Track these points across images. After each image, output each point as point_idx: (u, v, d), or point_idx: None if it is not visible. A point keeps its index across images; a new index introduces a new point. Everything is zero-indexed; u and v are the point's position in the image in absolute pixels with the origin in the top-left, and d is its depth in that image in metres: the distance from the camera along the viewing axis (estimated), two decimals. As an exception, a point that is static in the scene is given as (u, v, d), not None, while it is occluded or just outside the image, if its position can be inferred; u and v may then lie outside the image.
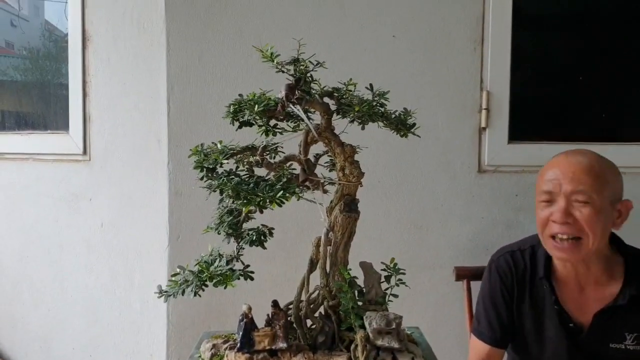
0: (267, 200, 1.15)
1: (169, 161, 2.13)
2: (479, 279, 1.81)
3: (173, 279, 1.23)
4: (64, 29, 2.48)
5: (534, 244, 1.67)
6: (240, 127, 1.25)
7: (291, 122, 1.30)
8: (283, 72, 1.17)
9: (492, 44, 2.15)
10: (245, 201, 1.15)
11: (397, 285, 1.30)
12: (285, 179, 1.20)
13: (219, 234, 1.28)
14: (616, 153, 2.11)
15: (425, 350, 1.35)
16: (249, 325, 1.21)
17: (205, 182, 1.21)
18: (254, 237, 1.26)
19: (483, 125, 2.16)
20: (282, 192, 1.15)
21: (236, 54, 2.12)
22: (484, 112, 2.15)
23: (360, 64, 2.12)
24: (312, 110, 1.27)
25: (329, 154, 1.33)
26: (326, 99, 1.26)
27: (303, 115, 1.19)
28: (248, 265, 1.25)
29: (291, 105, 1.18)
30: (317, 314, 1.30)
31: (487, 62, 2.15)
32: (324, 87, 1.25)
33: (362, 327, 1.21)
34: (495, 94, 2.15)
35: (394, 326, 1.20)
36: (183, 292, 1.20)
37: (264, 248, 1.29)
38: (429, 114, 2.13)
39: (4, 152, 2.75)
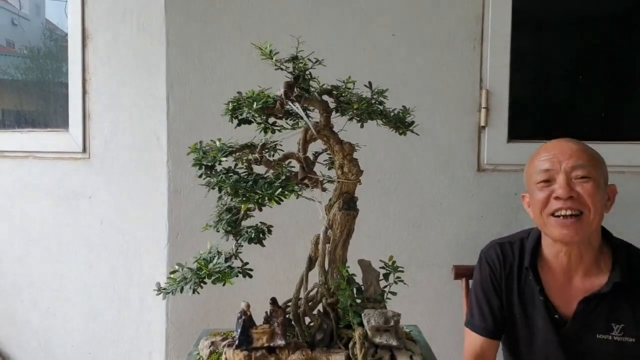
0: (266, 198, 1.15)
1: (168, 159, 2.13)
2: (478, 277, 1.82)
3: (172, 276, 1.23)
4: (65, 28, 2.49)
5: (523, 237, 1.69)
6: (239, 124, 1.25)
7: (290, 120, 1.31)
8: (282, 69, 1.17)
9: (491, 42, 2.15)
10: (243, 198, 1.15)
11: (396, 283, 1.30)
12: (284, 177, 1.20)
13: (217, 231, 1.28)
14: (616, 152, 2.13)
15: (423, 348, 1.35)
16: (247, 322, 1.22)
17: (204, 179, 1.21)
18: (253, 235, 1.27)
19: (482, 124, 2.16)
20: (280, 189, 1.15)
21: (236, 52, 2.12)
22: (483, 111, 2.15)
23: (360, 62, 2.12)
24: (311, 108, 1.27)
25: (328, 152, 1.33)
26: (325, 97, 1.26)
27: (302, 113, 1.19)
28: (247, 263, 1.25)
29: (290, 103, 1.18)
30: (315, 312, 1.30)
31: (487, 61, 2.15)
32: (322, 84, 1.25)
33: (361, 324, 1.21)
34: (494, 93, 2.15)
35: (392, 324, 1.20)
36: (181, 290, 1.21)
37: (263, 246, 1.29)
38: (428, 112, 2.13)
39: (3, 150, 2.75)
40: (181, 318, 2.17)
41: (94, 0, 2.39)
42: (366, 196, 2.10)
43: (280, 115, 1.28)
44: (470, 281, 1.96)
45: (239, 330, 1.21)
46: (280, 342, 1.20)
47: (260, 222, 1.29)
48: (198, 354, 1.35)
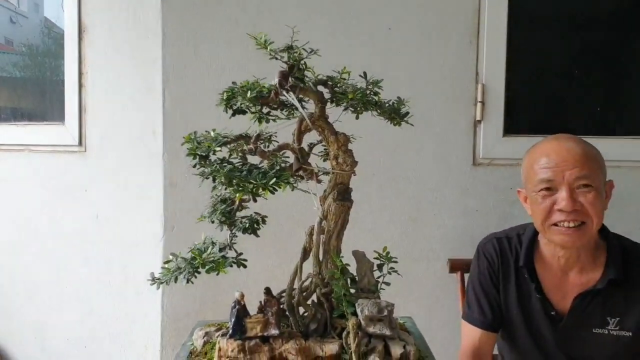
0: (260, 188, 1.15)
1: (164, 152, 2.13)
2: (473, 270, 1.82)
3: (166, 266, 1.23)
4: (63, 25, 2.48)
5: (520, 232, 1.68)
6: (233, 114, 1.25)
7: (285, 111, 1.31)
8: (277, 59, 1.17)
9: (487, 37, 2.15)
10: (238, 188, 1.15)
11: (389, 273, 1.30)
12: (278, 167, 1.20)
13: (212, 222, 1.28)
14: (611, 147, 2.13)
15: (417, 339, 1.35)
16: (241, 312, 1.22)
17: (198, 169, 1.21)
18: (247, 225, 1.26)
19: (478, 118, 2.16)
20: (275, 179, 1.15)
21: (232, 45, 2.12)
22: (479, 105, 2.16)
23: (356, 56, 2.12)
24: (306, 98, 1.27)
25: (323, 143, 1.33)
26: (320, 88, 1.26)
27: (296, 103, 1.19)
28: (241, 253, 1.25)
29: (284, 93, 1.18)
30: (309, 302, 1.31)
31: (483, 55, 2.16)
32: (317, 75, 1.25)
33: (354, 314, 1.21)
34: (490, 87, 2.16)
35: (385, 313, 1.20)
36: (176, 280, 1.20)
37: (257, 236, 1.29)
38: (424, 106, 2.14)
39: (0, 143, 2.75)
40: (176, 311, 2.17)
41: (90, -7, 2.39)
42: (362, 190, 2.11)
43: (275, 106, 1.28)
44: (466, 275, 1.97)
45: (233, 320, 1.21)
46: (274, 331, 1.20)
47: (254, 213, 1.29)
48: (192, 344, 1.36)
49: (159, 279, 1.24)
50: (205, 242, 1.25)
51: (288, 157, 1.27)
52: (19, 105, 3.13)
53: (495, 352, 1.82)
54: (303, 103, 1.26)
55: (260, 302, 1.24)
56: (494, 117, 2.17)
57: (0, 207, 2.77)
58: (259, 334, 1.20)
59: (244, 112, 1.25)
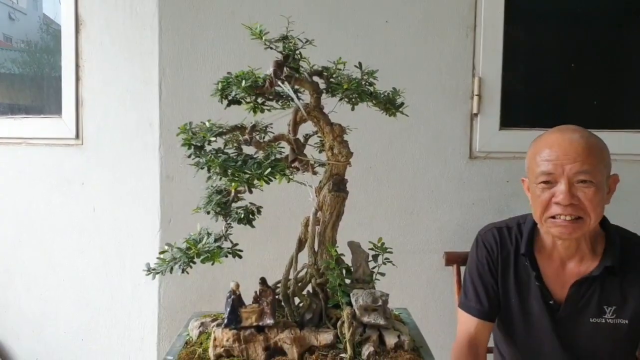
0: (255, 178, 1.16)
1: (161, 145, 2.13)
2: (469, 263, 1.82)
3: (161, 256, 1.23)
4: (61, 21, 2.48)
5: (521, 222, 1.69)
6: (229, 105, 1.25)
7: (280, 102, 1.31)
8: (272, 48, 1.17)
9: (484, 30, 2.15)
10: (233, 178, 1.15)
11: (384, 264, 1.30)
12: (273, 157, 1.20)
13: (207, 213, 1.28)
14: (607, 140, 2.13)
15: (412, 329, 1.35)
16: (236, 302, 1.22)
17: (193, 159, 1.21)
18: (242, 216, 1.26)
19: (474, 111, 2.17)
20: (270, 169, 1.15)
21: (228, 37, 2.12)
22: (475, 98, 2.16)
23: (353, 49, 2.12)
24: (302, 89, 1.27)
25: (319, 134, 1.33)
26: (315, 78, 1.26)
27: (292, 93, 1.19)
28: (236, 244, 1.25)
29: (280, 83, 1.18)
30: (305, 292, 1.31)
31: (479, 49, 2.16)
32: (313, 65, 1.25)
33: (349, 304, 1.21)
34: (487, 81, 2.16)
35: (380, 303, 1.21)
36: (171, 270, 1.20)
37: (252, 226, 1.29)
38: (421, 99, 2.14)
39: (-4, 136, 2.75)
40: (173, 303, 2.17)
41: (87, -14, 2.38)
42: (358, 183, 2.12)
43: (271, 97, 1.28)
44: (462, 267, 1.97)
45: (228, 310, 1.21)
46: (269, 321, 1.20)
47: (249, 203, 1.29)
48: (188, 334, 1.36)
49: (154, 269, 1.24)
50: (201, 233, 1.25)
51: (283, 147, 1.27)
52: (17, 101, 3.14)
53: (491, 344, 1.83)
54: (298, 94, 1.26)
55: (256, 292, 1.24)
56: (491, 110, 2.17)
57: (-3, 200, 2.77)
58: (254, 324, 1.20)
59: (239, 103, 1.25)
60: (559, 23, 2.30)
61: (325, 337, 1.19)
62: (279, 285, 1.31)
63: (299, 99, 1.24)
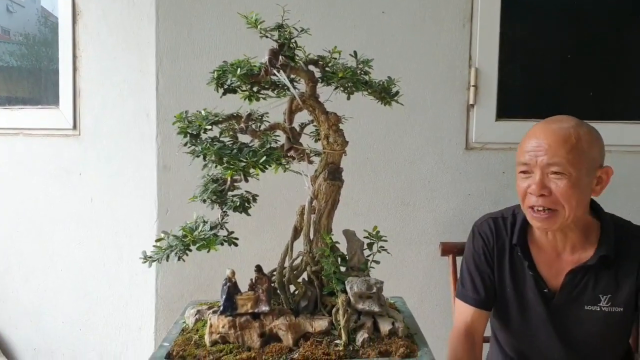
0: (251, 166, 1.16)
1: (158, 135, 2.14)
2: (464, 254, 1.84)
3: (157, 244, 1.24)
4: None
5: (516, 211, 1.70)
6: (224, 93, 1.25)
7: (276, 91, 1.31)
8: (267, 37, 1.17)
9: (481, 21, 2.15)
10: (228, 166, 1.16)
11: (379, 252, 1.31)
12: (269, 145, 1.21)
13: (204, 202, 1.29)
14: (603, 131, 2.13)
15: (407, 317, 1.36)
16: (232, 289, 1.23)
17: (189, 148, 1.22)
18: (238, 204, 1.27)
19: (471, 102, 2.17)
20: (265, 157, 1.16)
21: (225, 27, 2.12)
22: (472, 89, 2.16)
23: (349, 39, 2.12)
24: (297, 78, 1.28)
25: (314, 123, 1.34)
26: (311, 67, 1.27)
27: (287, 82, 1.20)
28: (232, 232, 1.26)
29: (275, 72, 1.18)
30: (300, 280, 1.32)
31: (476, 39, 2.16)
32: (308, 54, 1.25)
33: (344, 291, 1.23)
34: (483, 71, 2.16)
35: (374, 290, 1.22)
36: (167, 258, 1.21)
37: (248, 214, 1.30)
38: (417, 90, 2.15)
39: (-6, 127, 2.75)
40: (170, 294, 2.18)
41: (84, -24, 2.38)
42: (355, 174, 2.13)
43: (266, 86, 1.29)
44: (458, 258, 1.98)
45: (224, 297, 1.22)
46: (265, 308, 1.21)
47: (245, 191, 1.30)
48: (184, 322, 1.37)
49: (151, 257, 1.25)
50: (197, 221, 1.26)
51: (279, 136, 1.28)
52: (15, 94, 3.14)
53: (488, 333, 1.84)
54: (294, 83, 1.27)
55: (251, 279, 1.25)
56: (487, 101, 2.17)
57: (-5, 190, 2.78)
58: (250, 311, 1.22)
59: (234, 91, 1.25)
60: (555, 14, 2.30)
61: (320, 324, 1.20)
62: (274, 273, 1.32)
63: (294, 87, 1.24)
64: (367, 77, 1.26)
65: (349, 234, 1.35)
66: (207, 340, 1.21)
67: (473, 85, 2.16)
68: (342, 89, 1.27)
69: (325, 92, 1.29)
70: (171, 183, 2.15)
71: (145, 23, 2.16)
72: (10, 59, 3.17)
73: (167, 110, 2.12)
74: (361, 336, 1.17)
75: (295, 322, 1.21)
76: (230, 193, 1.31)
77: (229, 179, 1.25)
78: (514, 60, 2.23)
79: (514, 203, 1.87)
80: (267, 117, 1.32)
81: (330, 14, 2.13)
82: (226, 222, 1.27)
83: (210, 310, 1.31)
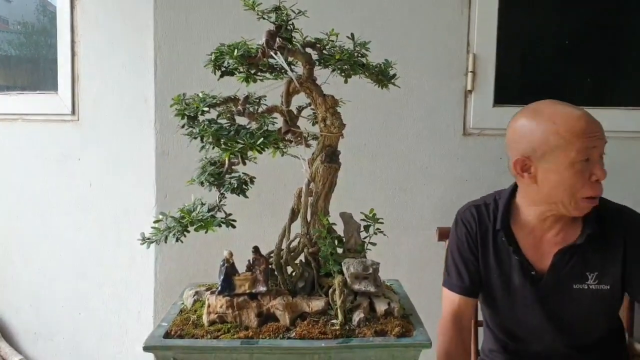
0: (248, 148, 1.17)
1: (156, 120, 2.14)
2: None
3: (156, 225, 1.25)
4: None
5: (497, 198, 1.70)
6: (222, 75, 1.26)
7: (274, 74, 1.32)
8: (264, 19, 1.18)
9: (479, 6, 2.15)
10: (226, 147, 1.17)
11: (375, 234, 1.33)
12: (266, 127, 1.21)
13: (201, 184, 1.30)
14: (600, 117, 2.14)
15: (403, 299, 1.38)
16: (229, 269, 1.24)
17: (186, 130, 1.23)
18: (236, 185, 1.28)
19: (469, 88, 2.17)
20: (262, 139, 1.16)
21: (223, 12, 2.11)
22: (470, 74, 2.16)
23: (347, 24, 2.09)
24: (295, 61, 1.28)
25: (312, 106, 1.35)
26: (308, 50, 1.27)
27: (284, 64, 1.20)
28: (230, 214, 1.27)
29: (272, 54, 1.19)
30: (297, 262, 1.33)
31: (474, 25, 2.16)
32: (305, 37, 1.26)
33: (341, 272, 1.24)
34: (481, 57, 2.17)
35: (370, 271, 1.23)
36: (166, 239, 1.22)
37: (246, 197, 1.31)
38: (415, 76, 2.15)
39: (-8, 112, 2.76)
40: (169, 278, 2.20)
41: (82, -39, 2.38)
42: (353, 160, 2.14)
43: (264, 69, 1.29)
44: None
45: (222, 277, 1.24)
46: (262, 288, 1.23)
47: (242, 173, 1.30)
48: (182, 303, 1.38)
49: (149, 238, 1.26)
50: (195, 203, 1.27)
51: (276, 118, 1.28)
52: (14, 83, 3.15)
53: (482, 318, 1.86)
54: (292, 66, 1.27)
55: (249, 260, 1.27)
56: (485, 87, 2.18)
57: (-6, 176, 2.79)
58: (247, 291, 1.23)
59: (232, 74, 1.26)
60: (553, 0, 2.30)
61: (316, 304, 1.22)
62: (272, 255, 1.34)
63: (291, 70, 1.25)
64: (364, 60, 1.27)
65: (345, 217, 1.37)
66: (205, 320, 1.22)
67: (471, 71, 2.16)
68: (339, 71, 1.28)
69: (322, 76, 1.30)
70: (170, 168, 2.15)
71: (144, 7, 2.15)
72: (9, 48, 3.19)
73: (165, 96, 2.13)
74: (357, 316, 1.18)
75: (292, 302, 1.22)
76: (227, 176, 1.33)
77: (226, 160, 1.26)
78: (512, 46, 2.23)
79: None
80: (265, 100, 1.33)
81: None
82: (224, 205, 1.28)
83: (209, 292, 1.33)
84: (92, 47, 2.38)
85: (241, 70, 1.23)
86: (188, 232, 1.22)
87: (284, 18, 1.18)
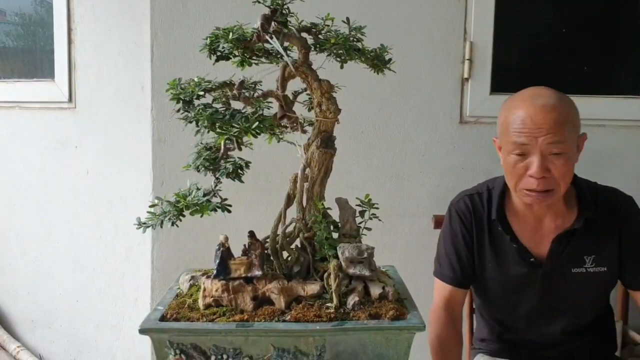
0: (243, 132, 1.17)
1: (153, 108, 2.14)
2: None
3: (151, 210, 1.25)
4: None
5: (490, 187, 1.69)
6: (217, 60, 1.26)
7: (269, 59, 1.32)
8: (260, 2, 1.17)
9: (476, -6, 2.15)
10: (221, 131, 1.17)
11: (371, 219, 1.33)
12: (261, 112, 1.21)
13: (197, 169, 1.30)
14: (597, 106, 2.16)
15: (398, 284, 1.38)
16: (225, 254, 1.25)
17: (181, 114, 1.23)
18: (231, 170, 1.28)
19: (465, 76, 2.17)
20: (257, 123, 1.17)
21: (221, -1, 2.11)
22: (466, 62, 2.17)
23: (343, 11, 2.08)
24: (290, 46, 1.28)
25: (307, 91, 1.35)
26: (304, 34, 1.27)
27: (280, 48, 1.20)
28: (226, 199, 1.27)
29: (267, 38, 1.19)
30: (293, 246, 1.34)
31: (471, 13, 2.16)
32: (301, 21, 1.26)
33: (336, 256, 1.24)
34: (478, 45, 2.16)
35: (365, 256, 1.23)
36: (162, 224, 1.23)
37: (241, 181, 1.31)
38: (411, 63, 2.15)
39: (-11, 100, 2.75)
40: (166, 265, 2.20)
41: (78, -53, 2.37)
42: (350, 148, 2.14)
43: (260, 54, 1.29)
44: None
45: (217, 261, 1.24)
46: (258, 272, 1.23)
47: (238, 157, 1.30)
48: (178, 288, 1.39)
49: (145, 223, 1.26)
50: (190, 188, 1.27)
51: (271, 102, 1.28)
52: (12, 74, 3.15)
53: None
54: (287, 51, 1.27)
55: (245, 245, 1.27)
56: (482, 75, 2.18)
57: (-10, 163, 2.79)
58: (243, 275, 1.23)
59: (227, 58, 1.26)
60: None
61: (312, 288, 1.22)
62: (268, 240, 1.34)
63: (288, 55, 1.25)
64: (359, 45, 1.26)
65: (341, 202, 1.37)
66: (200, 303, 1.23)
67: (468, 59, 2.16)
68: (334, 56, 1.27)
69: (318, 61, 1.30)
70: (166, 155, 2.15)
71: (140, -5, 2.15)
72: (6, 40, 3.18)
73: (162, 83, 2.12)
74: (352, 299, 1.19)
75: (287, 286, 1.22)
76: (223, 161, 1.33)
77: (222, 145, 1.26)
78: (509, 34, 2.23)
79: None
80: (260, 85, 1.33)
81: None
82: (220, 190, 1.29)
83: (204, 276, 1.33)
84: (89, 35, 2.38)
85: (236, 54, 1.23)
86: (183, 216, 1.22)
87: (279, 2, 1.18)
